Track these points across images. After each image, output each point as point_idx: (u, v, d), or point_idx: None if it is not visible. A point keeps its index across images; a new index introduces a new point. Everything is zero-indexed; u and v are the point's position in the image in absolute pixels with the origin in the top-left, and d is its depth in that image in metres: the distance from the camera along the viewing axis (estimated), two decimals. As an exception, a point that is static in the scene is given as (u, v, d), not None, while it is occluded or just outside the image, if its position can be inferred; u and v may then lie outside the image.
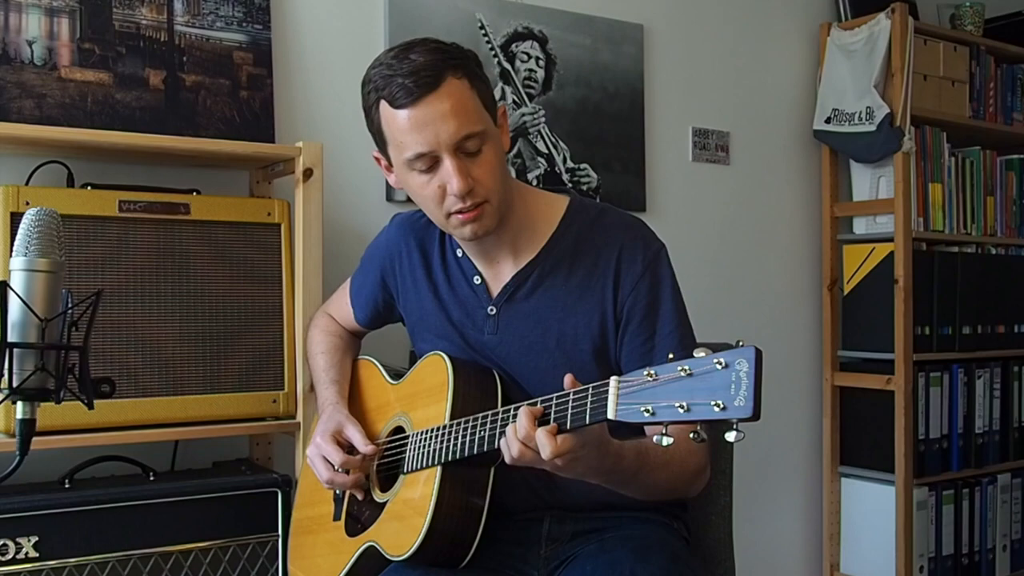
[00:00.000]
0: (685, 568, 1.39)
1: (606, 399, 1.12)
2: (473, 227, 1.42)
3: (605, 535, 1.47)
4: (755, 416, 0.97)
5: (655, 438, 1.07)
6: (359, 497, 1.59)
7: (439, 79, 1.36)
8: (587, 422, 1.15)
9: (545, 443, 1.16)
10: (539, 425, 1.20)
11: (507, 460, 1.24)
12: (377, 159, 1.51)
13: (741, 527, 1.85)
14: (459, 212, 1.41)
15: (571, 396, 1.18)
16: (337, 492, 1.66)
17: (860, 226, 3.09)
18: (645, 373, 1.08)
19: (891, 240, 2.92)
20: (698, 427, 1.04)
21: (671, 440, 1.06)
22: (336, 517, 1.65)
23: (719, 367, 1.01)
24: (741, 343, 1.01)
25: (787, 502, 3.11)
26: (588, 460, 1.21)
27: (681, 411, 1.03)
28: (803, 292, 3.13)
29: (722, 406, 0.99)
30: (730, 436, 1.00)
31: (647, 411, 1.06)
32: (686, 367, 1.04)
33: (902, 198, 2.89)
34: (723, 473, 1.75)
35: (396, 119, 1.38)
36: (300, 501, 1.80)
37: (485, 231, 1.44)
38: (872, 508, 2.98)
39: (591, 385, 1.16)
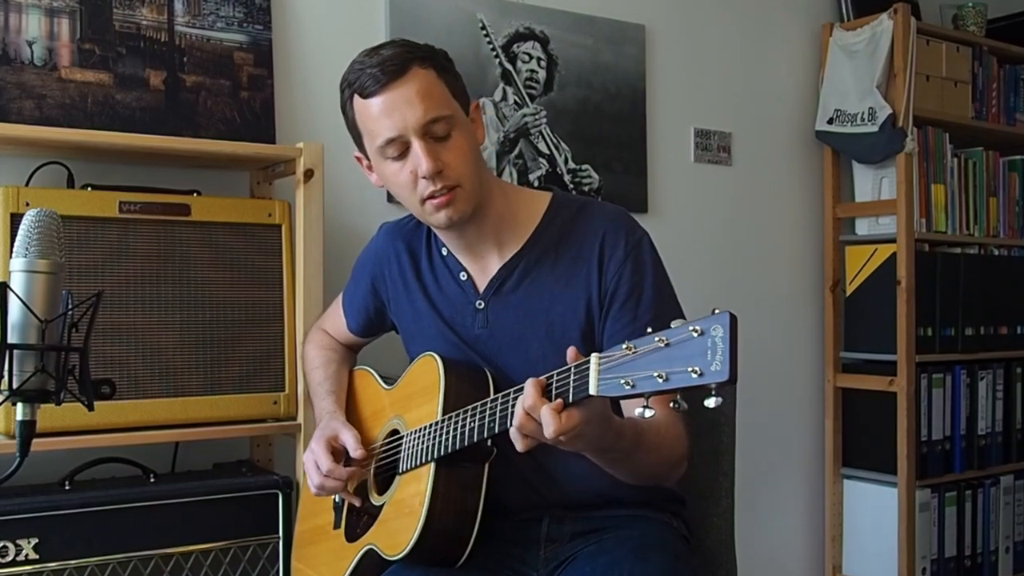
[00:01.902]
0: (685, 567, 1.40)
1: (587, 375, 1.13)
2: (448, 212, 1.44)
3: (604, 535, 1.47)
4: (732, 379, 0.98)
5: (637, 411, 1.08)
6: (357, 503, 1.59)
7: (406, 68, 1.42)
8: (570, 400, 1.16)
9: (550, 421, 1.16)
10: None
11: (514, 438, 1.23)
12: (358, 159, 1.56)
13: (743, 528, 1.84)
14: (432, 197, 1.43)
15: (555, 376, 1.19)
16: (336, 500, 1.66)
17: (862, 227, 3.08)
18: (624, 347, 1.09)
19: (893, 241, 2.91)
20: (677, 396, 1.05)
21: (653, 412, 1.07)
22: (336, 525, 1.65)
23: (695, 335, 1.01)
24: (716, 310, 1.01)
25: (789, 503, 3.10)
26: (590, 435, 1.21)
27: (660, 380, 1.03)
28: (805, 293, 3.13)
29: (699, 372, 1.00)
30: (709, 402, 1.00)
31: (627, 383, 1.07)
32: (663, 337, 1.04)
33: (904, 199, 2.88)
34: (725, 474, 1.75)
35: (367, 108, 1.44)
36: (302, 513, 1.80)
37: (460, 216, 1.45)
38: (874, 510, 2.97)
39: (572, 365, 1.17)
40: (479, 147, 1.50)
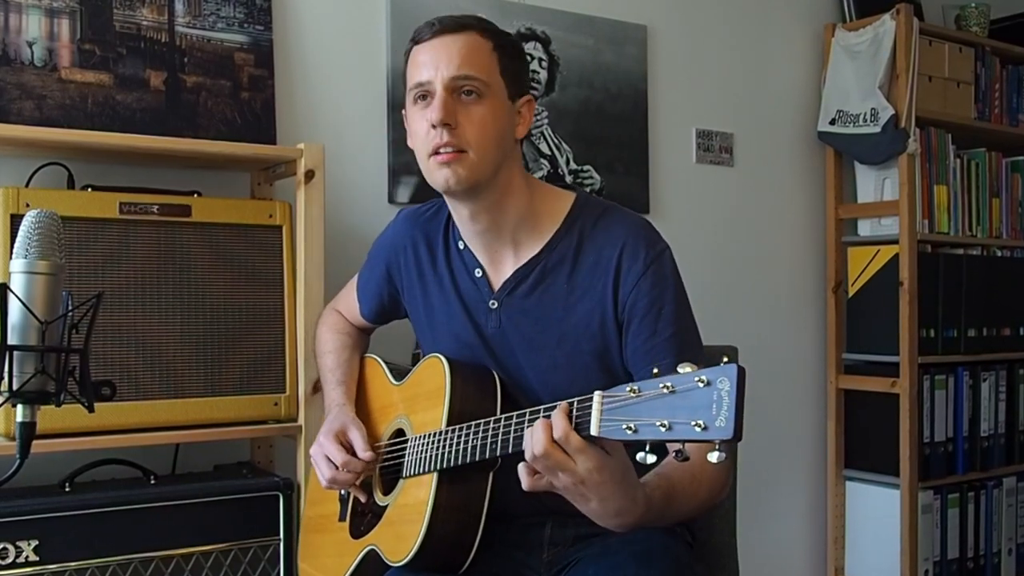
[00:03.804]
0: (688, 573, 1.38)
1: (589, 414, 1.10)
2: (447, 172, 1.41)
3: (608, 540, 1.45)
4: (736, 438, 0.95)
5: (639, 455, 1.05)
6: (363, 499, 1.58)
7: (463, 27, 1.43)
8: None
9: (567, 434, 1.12)
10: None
11: (525, 483, 1.20)
12: (404, 115, 1.53)
13: (745, 531, 1.84)
14: (437, 152, 1.41)
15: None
16: (342, 492, 1.65)
17: (865, 228, 3.08)
18: (628, 389, 1.06)
19: (896, 242, 2.90)
20: (682, 446, 1.02)
21: (655, 458, 1.04)
22: (341, 517, 1.65)
23: (701, 385, 0.98)
24: (726, 360, 0.98)
25: (791, 505, 3.09)
26: (604, 492, 1.16)
27: (663, 430, 1.00)
28: (807, 294, 3.12)
29: (703, 426, 0.97)
30: (712, 456, 0.97)
31: (630, 428, 1.04)
32: (668, 384, 1.01)
33: (907, 200, 2.87)
34: (727, 476, 1.74)
35: (414, 54, 1.46)
36: (310, 498, 1.80)
37: (458, 181, 1.41)
38: (877, 511, 2.96)
39: (576, 399, 1.14)
40: (509, 134, 1.46)
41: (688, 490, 1.30)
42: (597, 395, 1.10)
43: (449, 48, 1.41)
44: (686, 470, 1.27)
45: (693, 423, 0.98)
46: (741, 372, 0.97)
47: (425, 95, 1.42)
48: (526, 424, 1.24)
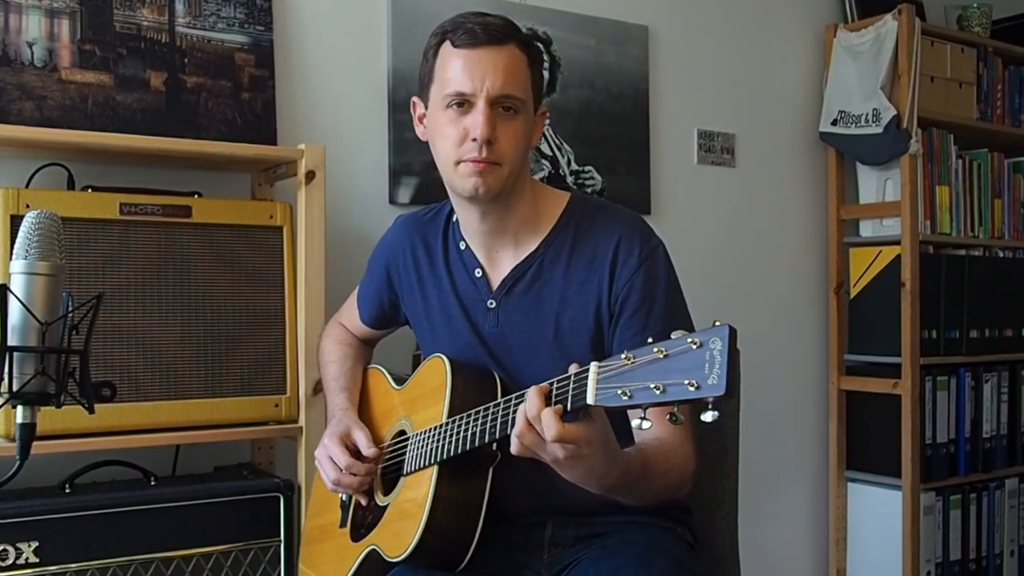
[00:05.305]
0: (689, 573, 1.38)
1: (586, 384, 1.12)
2: (476, 180, 1.44)
3: (608, 540, 1.46)
4: (728, 394, 0.97)
5: (634, 423, 1.07)
6: (363, 503, 1.59)
7: (506, 39, 1.44)
8: (568, 408, 1.15)
9: (551, 423, 1.15)
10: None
11: (512, 447, 1.22)
12: (414, 104, 1.56)
13: (747, 532, 1.83)
14: (471, 160, 1.43)
15: (555, 383, 1.18)
16: (343, 499, 1.65)
17: (866, 229, 3.07)
18: (623, 356, 1.08)
19: (898, 243, 2.90)
20: (675, 409, 1.04)
21: (650, 423, 1.07)
22: (342, 524, 1.65)
23: (693, 347, 1.00)
24: (717, 322, 1.00)
25: (793, 507, 3.09)
26: (591, 462, 1.20)
27: (657, 392, 1.02)
28: (809, 295, 3.12)
29: (696, 385, 0.99)
30: (707, 416, 0.99)
31: (625, 394, 1.06)
32: (663, 348, 1.03)
33: (909, 201, 2.87)
34: (728, 477, 1.74)
35: (452, 57, 1.45)
36: (312, 511, 1.80)
37: (487, 191, 1.45)
38: (879, 513, 2.96)
39: (572, 373, 1.16)
40: (530, 145, 1.51)
41: (662, 467, 1.34)
42: (593, 365, 1.13)
43: (494, 62, 1.42)
44: (659, 450, 1.33)
45: (687, 382, 0.99)
46: (732, 332, 0.99)
47: (463, 103, 1.43)
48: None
